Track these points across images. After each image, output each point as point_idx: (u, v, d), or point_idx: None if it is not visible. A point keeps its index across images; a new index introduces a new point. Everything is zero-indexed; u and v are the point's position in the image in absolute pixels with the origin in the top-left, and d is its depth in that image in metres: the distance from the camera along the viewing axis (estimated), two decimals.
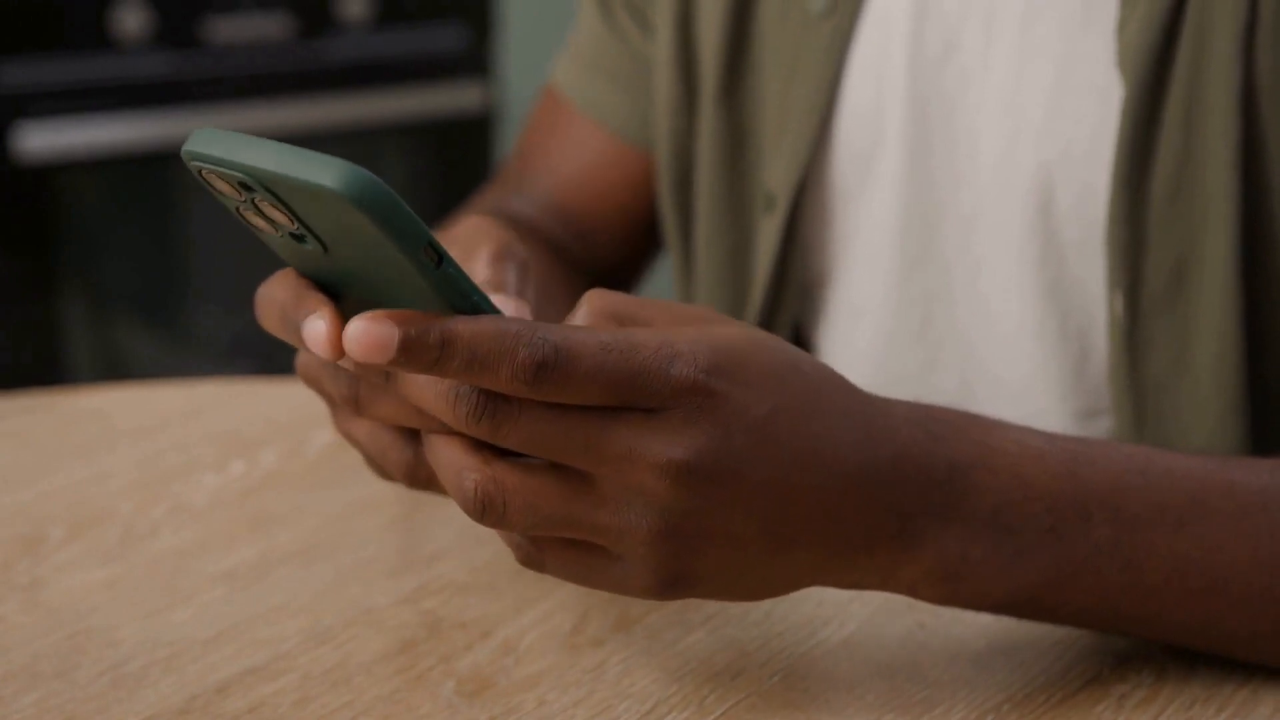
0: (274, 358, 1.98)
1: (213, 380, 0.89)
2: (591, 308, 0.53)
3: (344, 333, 0.47)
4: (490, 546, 0.69)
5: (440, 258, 0.47)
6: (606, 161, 0.89)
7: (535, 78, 1.77)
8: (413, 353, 0.47)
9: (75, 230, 1.90)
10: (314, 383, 0.58)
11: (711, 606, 0.64)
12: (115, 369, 1.96)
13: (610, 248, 0.89)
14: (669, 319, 0.53)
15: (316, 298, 0.52)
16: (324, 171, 0.45)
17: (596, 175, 0.89)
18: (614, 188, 0.89)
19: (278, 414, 0.83)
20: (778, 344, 0.52)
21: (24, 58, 1.80)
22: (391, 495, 0.74)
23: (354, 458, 0.77)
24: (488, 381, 0.47)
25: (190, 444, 0.80)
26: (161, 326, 2.02)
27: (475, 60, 2.08)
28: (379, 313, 0.47)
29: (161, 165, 1.93)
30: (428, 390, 0.49)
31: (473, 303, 0.48)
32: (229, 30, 1.91)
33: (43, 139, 1.82)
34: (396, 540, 0.71)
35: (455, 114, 2.08)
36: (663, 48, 0.84)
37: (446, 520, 0.72)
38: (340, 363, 0.52)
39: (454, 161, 2.11)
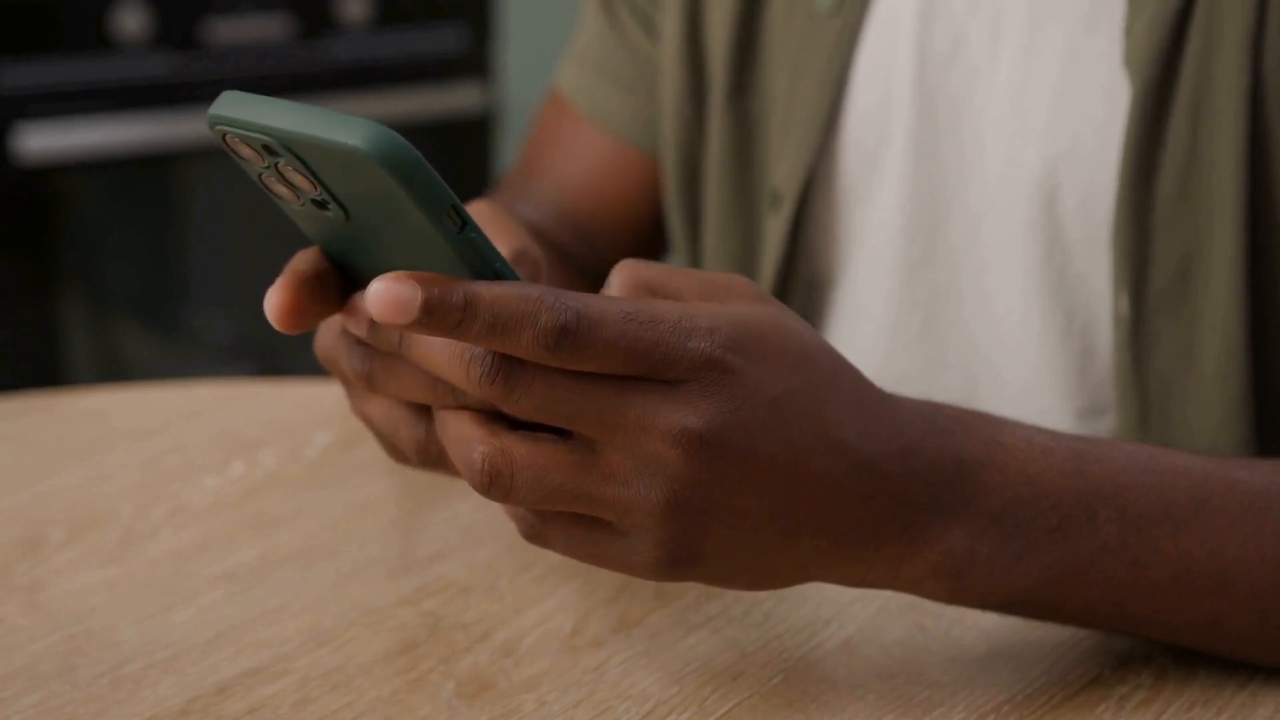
0: (273, 359, 1.98)
1: (212, 382, 0.89)
2: (623, 277, 0.53)
3: (366, 292, 0.47)
4: (490, 547, 0.69)
5: (464, 222, 0.47)
6: (611, 164, 0.89)
7: (535, 79, 1.77)
8: (435, 314, 0.47)
9: (75, 232, 1.90)
10: (331, 362, 0.58)
11: (712, 607, 0.64)
12: (114, 370, 1.96)
13: (616, 250, 0.89)
14: (699, 288, 0.52)
15: (292, 270, 0.52)
16: (350, 132, 0.45)
17: (602, 178, 0.89)
18: (619, 190, 0.89)
19: (277, 415, 0.83)
20: (798, 327, 0.52)
21: (23, 59, 1.80)
22: (392, 496, 0.74)
23: (354, 459, 0.77)
24: (509, 346, 0.47)
25: (190, 445, 0.80)
26: (161, 328, 2.02)
27: (475, 61, 2.09)
28: (401, 273, 0.47)
29: (161, 167, 1.93)
30: (441, 353, 0.49)
31: (494, 269, 0.48)
32: (229, 31, 1.91)
33: (42, 140, 1.82)
34: (396, 541, 0.70)
35: (455, 115, 2.08)
36: (670, 49, 0.84)
37: (447, 521, 0.72)
38: (352, 330, 0.53)
39: (454, 162, 2.11)
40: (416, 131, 2.07)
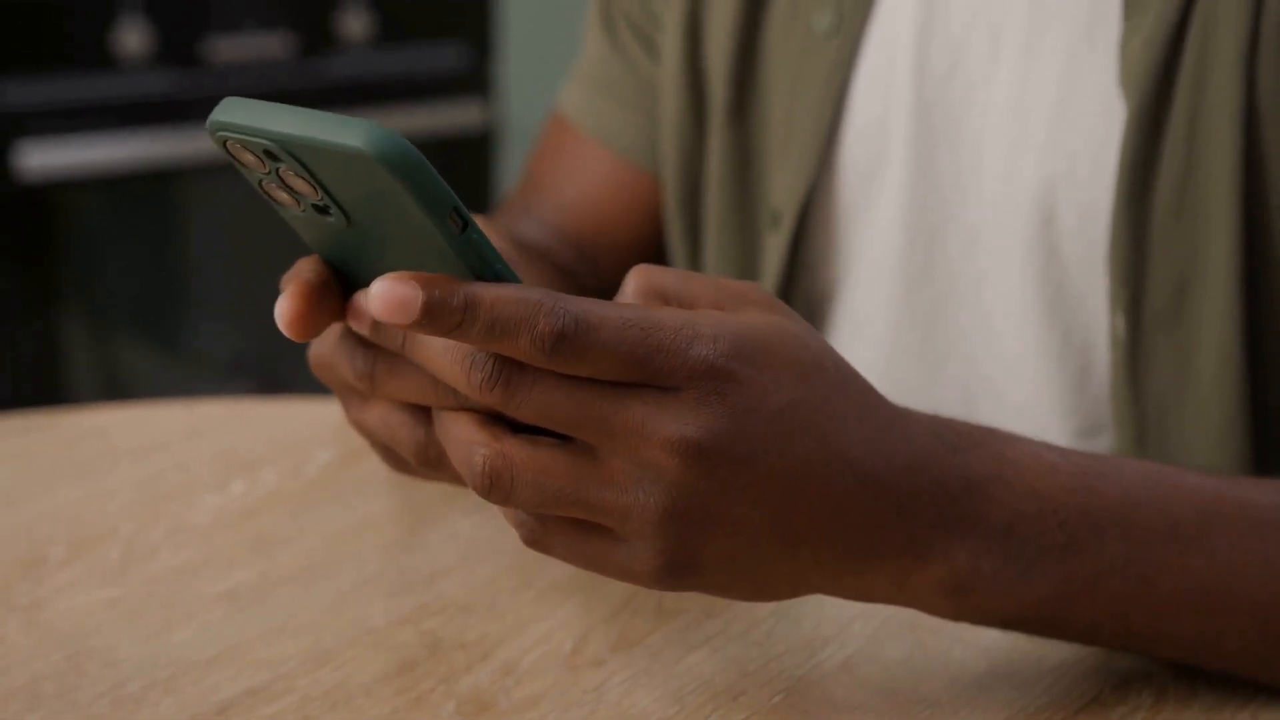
0: (274, 375, 1.99)
1: (213, 399, 0.89)
2: (638, 282, 0.53)
3: (369, 291, 0.47)
4: (490, 565, 0.69)
5: (465, 223, 0.47)
6: (613, 183, 0.89)
7: (536, 96, 1.77)
8: (436, 315, 0.47)
9: (76, 249, 1.90)
10: (326, 370, 0.58)
11: (713, 626, 0.64)
12: (115, 387, 1.96)
13: (618, 269, 0.88)
14: (712, 295, 0.52)
15: (299, 279, 0.52)
16: (353, 133, 0.45)
17: (603, 197, 0.89)
18: (620, 209, 0.89)
19: (278, 433, 0.83)
20: (809, 338, 0.52)
21: (25, 76, 1.80)
22: (392, 514, 0.74)
23: (354, 477, 0.77)
24: (507, 348, 0.47)
25: (191, 463, 0.80)
26: (161, 344, 2.02)
27: (476, 79, 2.09)
28: (404, 274, 0.47)
29: (162, 184, 1.94)
30: (444, 356, 0.49)
31: (495, 271, 0.48)
32: (230, 49, 1.91)
33: (44, 158, 1.82)
34: (397, 560, 0.70)
35: (456, 132, 2.09)
36: (670, 69, 0.84)
37: (447, 539, 0.72)
38: (356, 329, 0.53)
39: (455, 179, 2.10)
40: (417, 148, 2.07)
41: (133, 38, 1.85)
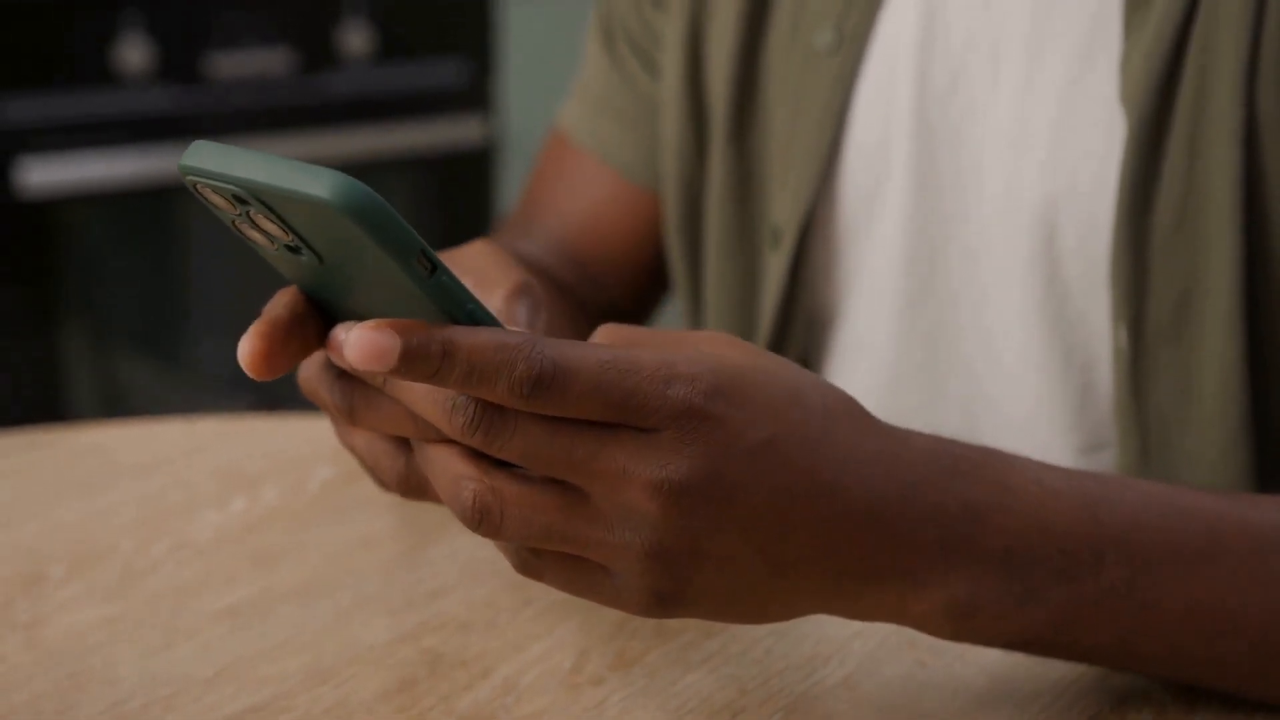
0: (275, 391, 1.99)
1: (214, 416, 0.89)
2: (604, 340, 0.53)
3: (346, 339, 0.48)
4: (490, 584, 0.69)
5: (434, 267, 0.48)
6: (614, 202, 0.89)
7: (536, 112, 1.77)
8: (414, 363, 0.47)
9: (77, 265, 1.91)
10: (313, 394, 0.58)
11: (712, 645, 0.64)
12: (116, 403, 1.96)
13: (619, 289, 0.89)
14: (678, 346, 0.53)
15: (267, 316, 0.52)
16: (316, 182, 0.45)
17: (604, 216, 0.89)
18: (621, 227, 0.89)
19: (279, 450, 0.84)
20: (784, 372, 0.52)
21: (27, 93, 1.80)
22: (392, 531, 0.74)
23: (355, 494, 0.77)
24: (485, 393, 0.48)
25: (191, 480, 0.80)
26: (163, 360, 2.02)
27: (476, 94, 2.09)
28: (381, 321, 0.47)
29: (164, 200, 1.94)
30: (425, 399, 0.50)
31: (468, 311, 0.49)
32: (231, 65, 1.92)
33: (45, 174, 1.82)
34: (397, 577, 0.71)
35: (456, 148, 2.09)
36: (671, 88, 0.84)
37: (447, 557, 0.72)
38: (336, 361, 0.53)
39: (455, 195, 2.12)
40: (417, 165, 2.08)
41: (134, 54, 1.85)
